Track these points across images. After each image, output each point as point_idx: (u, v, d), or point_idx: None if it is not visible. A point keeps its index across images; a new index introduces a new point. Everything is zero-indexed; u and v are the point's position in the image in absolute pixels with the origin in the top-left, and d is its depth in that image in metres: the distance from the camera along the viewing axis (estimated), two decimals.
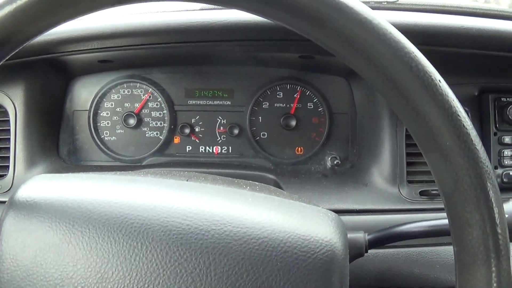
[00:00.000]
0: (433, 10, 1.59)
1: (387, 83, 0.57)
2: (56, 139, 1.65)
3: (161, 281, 0.66)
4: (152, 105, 1.68)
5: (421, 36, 1.33)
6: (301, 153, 1.67)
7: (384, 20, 0.56)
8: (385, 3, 1.63)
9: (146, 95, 1.68)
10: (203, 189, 0.79)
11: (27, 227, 0.69)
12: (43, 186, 0.75)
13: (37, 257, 0.68)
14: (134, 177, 0.83)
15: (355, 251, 0.89)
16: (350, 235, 0.88)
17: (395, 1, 1.64)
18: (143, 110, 1.68)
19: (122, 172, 0.91)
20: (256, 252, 0.66)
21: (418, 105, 0.56)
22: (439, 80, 0.56)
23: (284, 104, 1.66)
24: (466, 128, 0.56)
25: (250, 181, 0.93)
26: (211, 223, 0.68)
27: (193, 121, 1.68)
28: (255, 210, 0.72)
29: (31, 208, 0.70)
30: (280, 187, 1.45)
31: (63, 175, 0.80)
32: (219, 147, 1.69)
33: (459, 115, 0.56)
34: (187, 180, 0.83)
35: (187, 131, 1.66)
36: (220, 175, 1.03)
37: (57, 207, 0.70)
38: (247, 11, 0.59)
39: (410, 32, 1.25)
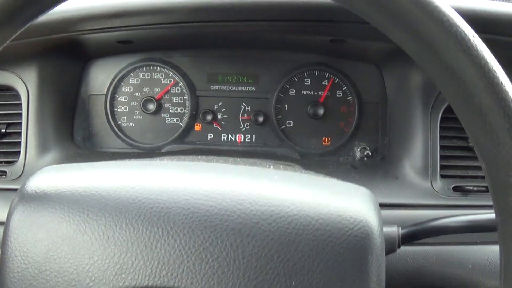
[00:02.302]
0: None
1: (418, 41, 0.54)
2: (71, 125, 1.63)
3: (185, 268, 0.64)
4: (173, 91, 1.65)
5: (482, 23, 1.26)
6: (329, 143, 1.65)
7: None
8: None
9: (171, 82, 1.66)
10: (225, 169, 0.78)
11: (37, 220, 0.67)
12: (53, 176, 0.73)
13: (49, 252, 0.66)
14: (150, 162, 0.82)
15: (388, 246, 0.86)
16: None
17: None
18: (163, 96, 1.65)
19: (138, 159, 0.90)
20: (286, 232, 0.64)
21: (452, 63, 0.53)
22: (473, 36, 0.53)
23: (312, 92, 1.64)
24: (504, 85, 0.53)
25: (273, 161, 0.93)
26: (236, 203, 0.66)
27: (215, 107, 1.66)
28: (282, 187, 0.71)
29: (41, 200, 0.68)
30: None
31: (74, 164, 0.79)
32: (242, 136, 1.67)
33: (495, 72, 0.53)
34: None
35: (209, 118, 1.64)
36: (246, 154, 1.01)
37: (69, 196, 0.68)
38: None
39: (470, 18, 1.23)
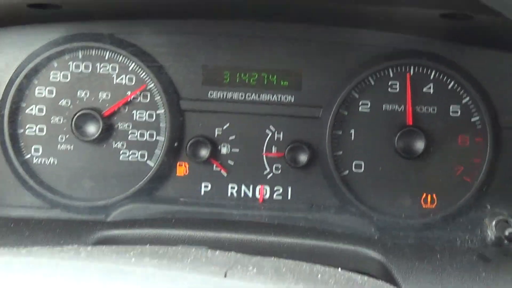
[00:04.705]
0: None
1: None
2: None
3: None
4: (137, 99, 1.19)
5: None
6: (433, 206, 1.20)
7: None
8: None
9: (134, 84, 1.16)
10: None
11: None
12: None
13: None
14: (123, 268, 0.57)
15: None
16: None
17: None
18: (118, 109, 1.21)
19: (91, 251, 0.63)
20: None
21: None
22: None
23: (401, 107, 1.18)
24: None
25: None
26: None
27: (217, 133, 1.22)
28: None
29: None
30: (391, 277, 0.99)
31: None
32: (268, 188, 1.19)
33: None
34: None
35: (204, 153, 1.19)
36: (277, 249, 0.89)
37: None
38: None
39: None
